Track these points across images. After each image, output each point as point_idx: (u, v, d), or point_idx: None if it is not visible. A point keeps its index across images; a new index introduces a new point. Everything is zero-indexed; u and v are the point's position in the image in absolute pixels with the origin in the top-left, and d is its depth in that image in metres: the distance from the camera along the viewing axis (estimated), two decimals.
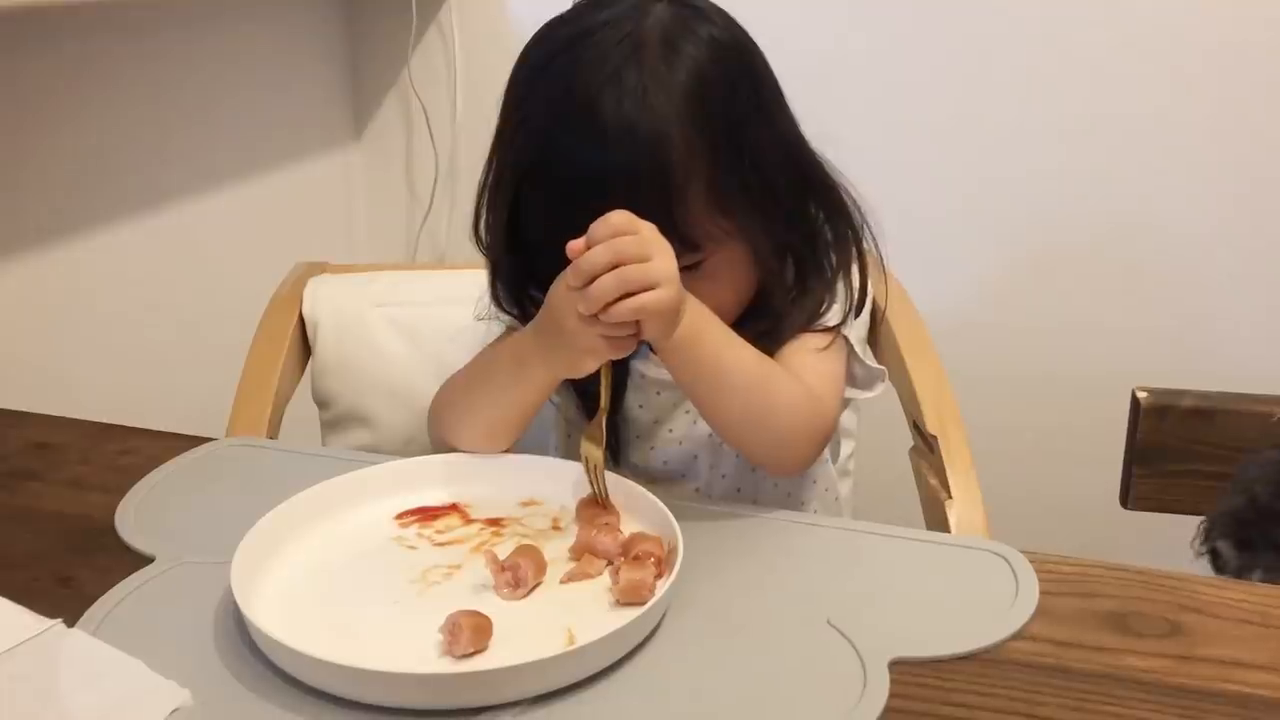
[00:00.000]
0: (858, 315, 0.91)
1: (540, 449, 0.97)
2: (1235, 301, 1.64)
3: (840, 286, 0.90)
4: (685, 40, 0.82)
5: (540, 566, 0.74)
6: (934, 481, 1.02)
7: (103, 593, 0.73)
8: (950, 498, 0.99)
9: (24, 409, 1.02)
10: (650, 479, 0.92)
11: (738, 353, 0.81)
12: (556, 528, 0.81)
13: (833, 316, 0.89)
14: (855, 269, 0.91)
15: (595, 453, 0.80)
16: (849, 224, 0.90)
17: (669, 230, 0.76)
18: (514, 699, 0.63)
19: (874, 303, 0.97)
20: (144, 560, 0.77)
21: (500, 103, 0.86)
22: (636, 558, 0.72)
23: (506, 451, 0.87)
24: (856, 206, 0.90)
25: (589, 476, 0.80)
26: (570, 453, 0.96)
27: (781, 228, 0.86)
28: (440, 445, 0.90)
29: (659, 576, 0.71)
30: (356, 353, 1.19)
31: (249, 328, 1.17)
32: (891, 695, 0.63)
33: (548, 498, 0.84)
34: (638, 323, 0.75)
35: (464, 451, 0.87)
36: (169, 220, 1.58)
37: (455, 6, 1.87)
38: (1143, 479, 1.10)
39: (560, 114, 0.81)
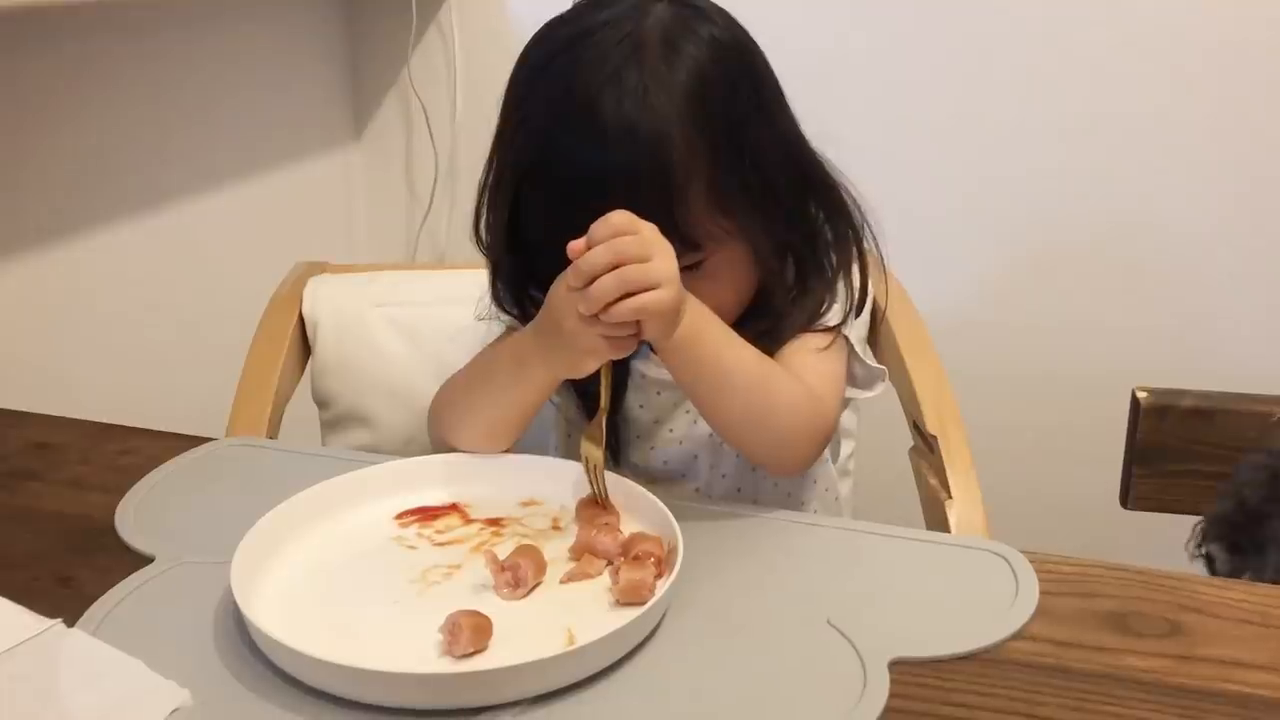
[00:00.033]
0: (858, 315, 0.91)
1: (540, 449, 0.97)
2: (1235, 301, 1.64)
3: (840, 286, 0.90)
4: (686, 40, 0.81)
5: (540, 566, 0.74)
6: (934, 481, 1.02)
7: (103, 593, 0.73)
8: (950, 498, 0.99)
9: (24, 409, 1.02)
10: (650, 479, 0.92)
11: (738, 353, 0.81)
12: (556, 528, 0.81)
13: (833, 316, 0.89)
14: (855, 268, 0.91)
15: (595, 453, 0.80)
16: (849, 223, 0.90)
17: (669, 230, 0.76)
18: (514, 699, 0.63)
19: (874, 302, 0.97)
20: (144, 560, 0.77)
21: (500, 103, 0.86)
22: (636, 558, 0.72)
23: (506, 451, 0.87)
24: (857, 206, 0.90)
25: (589, 476, 0.80)
26: (570, 453, 0.96)
27: (782, 227, 0.86)
28: (440, 445, 0.90)
29: (659, 576, 0.71)
30: (356, 353, 1.19)
31: (249, 328, 1.17)
32: (891, 695, 0.63)
33: (548, 498, 0.84)
34: (638, 323, 0.75)
35: (464, 451, 0.87)
36: (169, 220, 1.58)
37: (455, 6, 1.87)
38: (1143, 479, 1.10)
39: (560, 114, 0.81)
